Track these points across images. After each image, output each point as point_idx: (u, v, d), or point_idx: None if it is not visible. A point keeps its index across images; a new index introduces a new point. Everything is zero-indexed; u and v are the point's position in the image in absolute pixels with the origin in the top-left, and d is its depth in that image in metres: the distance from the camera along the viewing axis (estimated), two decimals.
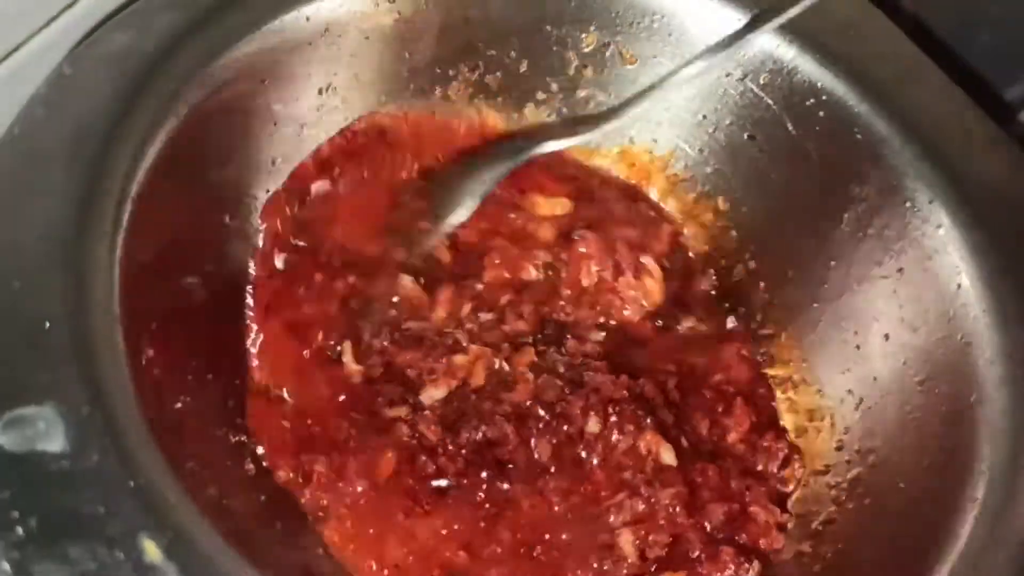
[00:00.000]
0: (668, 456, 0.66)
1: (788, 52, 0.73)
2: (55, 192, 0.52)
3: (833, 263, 0.73)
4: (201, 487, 0.56)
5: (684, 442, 0.68)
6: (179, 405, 0.58)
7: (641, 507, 0.65)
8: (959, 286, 0.64)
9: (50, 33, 0.64)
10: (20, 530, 0.43)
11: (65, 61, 0.58)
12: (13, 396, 0.46)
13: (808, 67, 0.72)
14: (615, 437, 0.66)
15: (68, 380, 0.47)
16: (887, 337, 0.69)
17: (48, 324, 0.48)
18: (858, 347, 0.71)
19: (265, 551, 0.59)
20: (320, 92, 0.71)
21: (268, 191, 0.70)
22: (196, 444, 0.59)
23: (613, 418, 0.66)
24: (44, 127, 0.55)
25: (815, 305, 0.75)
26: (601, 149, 0.83)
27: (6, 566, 0.43)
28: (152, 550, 0.44)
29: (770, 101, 0.74)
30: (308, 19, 0.67)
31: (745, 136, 0.77)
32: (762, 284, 0.78)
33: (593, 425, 0.66)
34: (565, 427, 0.66)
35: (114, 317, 0.51)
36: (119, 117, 0.56)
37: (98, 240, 0.52)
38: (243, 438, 0.65)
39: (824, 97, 0.72)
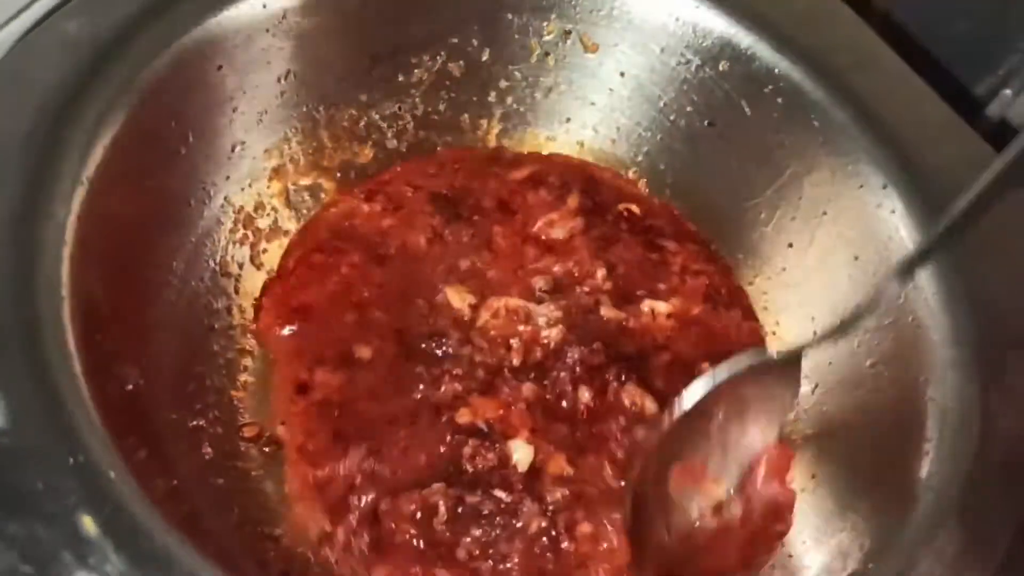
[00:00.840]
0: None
1: (746, 39, 0.73)
2: (5, 174, 0.53)
3: (791, 247, 0.74)
4: (152, 471, 0.57)
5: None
6: (130, 387, 0.58)
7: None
8: None
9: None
10: None
11: (16, 47, 0.58)
12: None
13: (766, 54, 0.73)
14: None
15: (10, 359, 0.48)
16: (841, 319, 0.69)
17: None
18: (815, 332, 0.71)
19: (220, 535, 0.60)
20: (279, 80, 0.72)
21: (228, 177, 0.71)
22: (149, 426, 0.59)
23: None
24: None
25: (770, 286, 0.76)
26: (559, 139, 0.84)
27: None
28: (89, 524, 0.44)
29: (728, 88, 0.75)
30: (264, 6, 0.67)
31: (705, 123, 0.77)
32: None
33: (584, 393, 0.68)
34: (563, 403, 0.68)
35: (60, 299, 0.51)
36: (72, 101, 0.57)
37: (47, 222, 0.53)
38: (201, 423, 0.66)
39: (781, 84, 0.72)
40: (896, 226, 0.66)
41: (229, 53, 0.67)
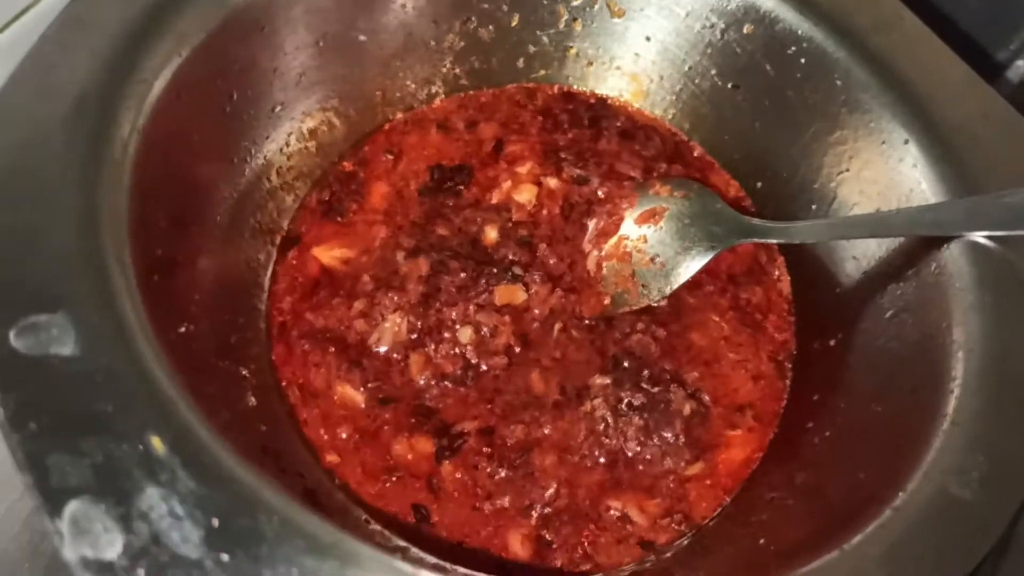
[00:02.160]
0: None
1: (768, 2, 0.75)
2: (66, 124, 0.55)
3: (814, 206, 0.76)
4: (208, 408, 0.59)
5: None
6: (182, 330, 0.60)
7: None
8: None
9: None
10: (34, 425, 0.46)
11: (72, 2, 0.60)
12: (27, 304, 0.49)
13: (788, 16, 0.75)
14: None
15: (80, 290, 0.50)
16: (864, 274, 0.71)
17: (60, 239, 0.51)
18: (837, 291, 0.73)
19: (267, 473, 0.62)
20: (317, 42, 0.74)
21: (268, 137, 0.73)
22: (199, 370, 0.62)
23: None
24: (55, 62, 0.57)
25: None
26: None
27: (20, 457, 0.45)
28: (159, 444, 0.47)
29: (752, 50, 0.77)
30: None
31: (729, 85, 0.80)
32: None
33: None
34: None
35: (122, 238, 0.53)
36: (129, 53, 0.59)
37: (109, 164, 0.55)
38: (244, 372, 0.68)
39: (804, 45, 0.74)
40: (918, 179, 0.68)
41: (270, 14, 0.69)
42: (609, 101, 0.85)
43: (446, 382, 0.70)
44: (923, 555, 0.52)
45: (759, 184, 0.81)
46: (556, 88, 0.86)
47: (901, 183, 0.70)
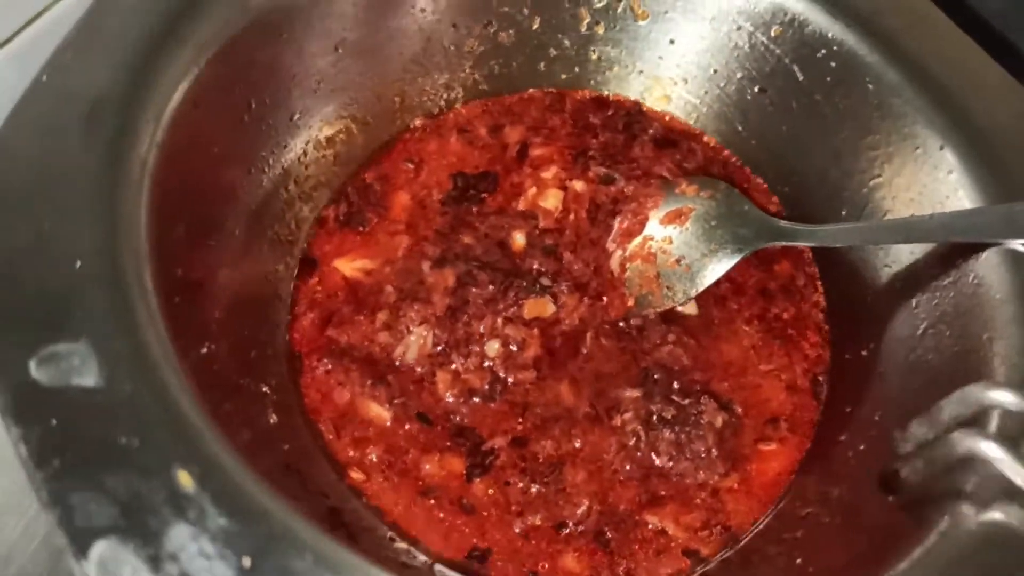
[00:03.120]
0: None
1: (798, 4, 0.73)
2: (84, 136, 0.54)
3: (844, 212, 0.74)
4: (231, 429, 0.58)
5: None
6: (204, 350, 0.59)
7: None
8: None
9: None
10: (57, 462, 0.44)
11: (91, 8, 0.58)
12: (48, 333, 0.47)
13: (818, 18, 0.73)
14: None
15: (100, 316, 0.48)
16: (899, 282, 0.70)
17: (79, 263, 0.49)
18: (869, 299, 0.72)
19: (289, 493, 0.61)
20: (336, 48, 0.72)
21: (286, 146, 0.71)
22: (221, 390, 0.60)
23: None
24: (73, 71, 0.56)
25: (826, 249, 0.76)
26: None
27: (44, 495, 0.44)
28: (186, 479, 0.45)
29: (780, 53, 0.75)
30: None
31: (756, 89, 0.78)
32: None
33: None
34: None
35: (143, 258, 0.52)
36: (147, 63, 0.57)
37: (127, 182, 0.53)
38: (265, 388, 0.66)
39: (835, 48, 0.73)
40: (954, 187, 0.66)
41: (289, 20, 0.67)
42: (644, 108, 0.83)
43: (475, 398, 0.68)
44: None
45: (787, 190, 0.79)
46: (587, 93, 0.84)
47: (937, 190, 0.68)
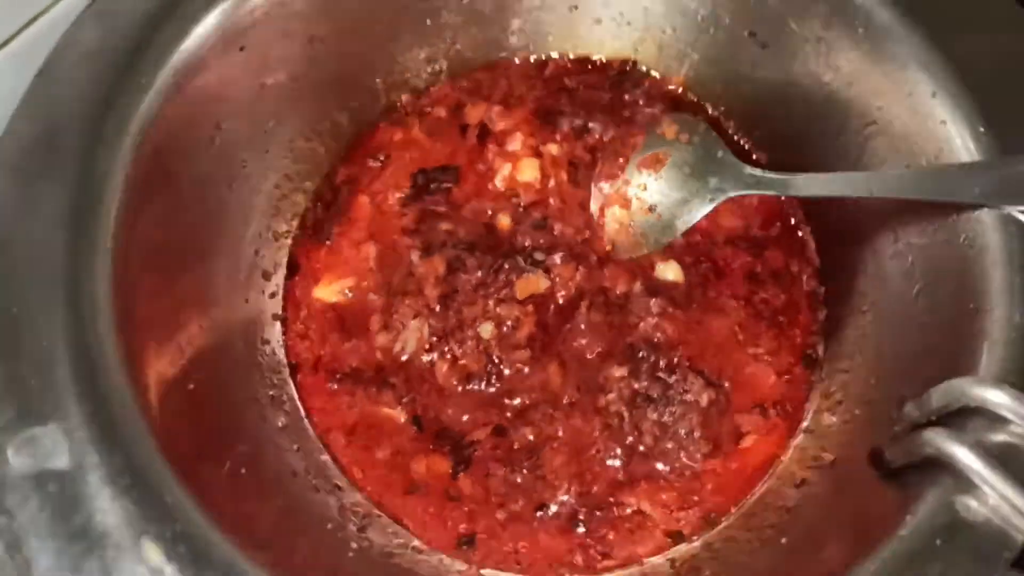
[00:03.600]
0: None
1: None
2: (43, 211, 0.56)
3: (841, 162, 0.71)
4: (228, 451, 0.61)
5: None
6: (192, 386, 0.61)
7: None
8: None
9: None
10: (40, 548, 0.48)
11: (43, 65, 0.60)
12: (23, 418, 0.51)
13: None
14: None
15: (68, 400, 0.51)
16: (896, 239, 0.67)
17: (46, 345, 0.52)
18: (875, 251, 0.69)
19: (297, 502, 0.65)
20: (311, 40, 0.71)
21: (267, 151, 0.72)
22: (218, 414, 0.63)
23: None
24: (26, 140, 0.57)
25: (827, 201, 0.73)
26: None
27: None
28: (153, 553, 0.48)
29: None
30: None
31: (746, 33, 0.74)
32: None
33: None
34: None
35: (108, 328, 0.54)
36: (94, 121, 0.58)
37: (91, 251, 0.55)
38: (272, 393, 0.69)
39: None
40: (947, 137, 0.63)
41: (248, 31, 0.66)
42: (630, 69, 0.81)
43: (472, 384, 0.70)
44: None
45: (782, 139, 0.76)
46: (569, 57, 0.82)
47: (930, 139, 0.64)
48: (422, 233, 0.74)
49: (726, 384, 0.69)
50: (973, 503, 0.51)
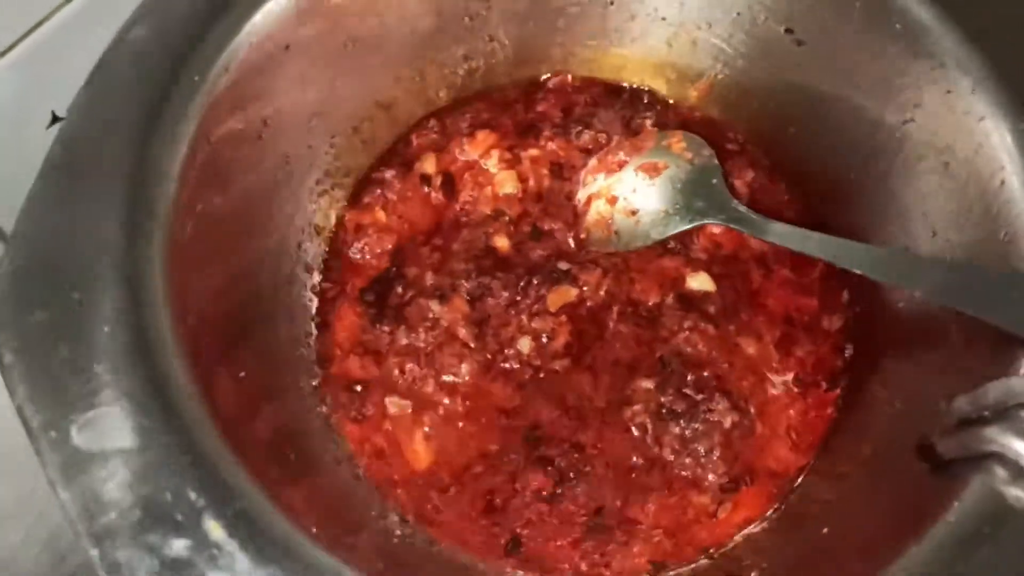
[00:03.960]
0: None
1: None
2: (101, 202, 0.57)
3: (879, 158, 0.72)
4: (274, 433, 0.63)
5: None
6: (243, 374, 0.63)
7: None
8: (1002, 182, 0.62)
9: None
10: (103, 524, 0.49)
11: (96, 65, 0.61)
12: (84, 400, 0.52)
13: None
14: None
15: (130, 381, 0.52)
16: (934, 233, 0.68)
17: (107, 329, 0.53)
18: (907, 249, 0.70)
19: (343, 487, 0.66)
20: (345, 46, 0.72)
21: (310, 146, 0.73)
22: (265, 400, 0.65)
23: None
24: (83, 136, 0.58)
25: (861, 201, 0.74)
26: (632, 58, 0.82)
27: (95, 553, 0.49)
28: (216, 530, 0.50)
29: None
30: None
31: (783, 30, 0.75)
32: None
33: None
34: None
35: (165, 313, 0.55)
36: (149, 117, 0.59)
37: (146, 240, 0.56)
38: (315, 383, 0.71)
39: None
40: (986, 133, 0.64)
41: (296, 29, 0.67)
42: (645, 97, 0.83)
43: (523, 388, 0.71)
44: None
45: (819, 131, 0.76)
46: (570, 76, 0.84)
47: (969, 137, 0.64)
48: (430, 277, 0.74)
49: (752, 410, 0.70)
50: (1017, 491, 0.52)
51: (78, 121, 0.59)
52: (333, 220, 0.77)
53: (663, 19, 0.79)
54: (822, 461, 0.69)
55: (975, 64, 0.65)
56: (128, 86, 0.60)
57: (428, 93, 0.80)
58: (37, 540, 0.71)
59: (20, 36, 0.69)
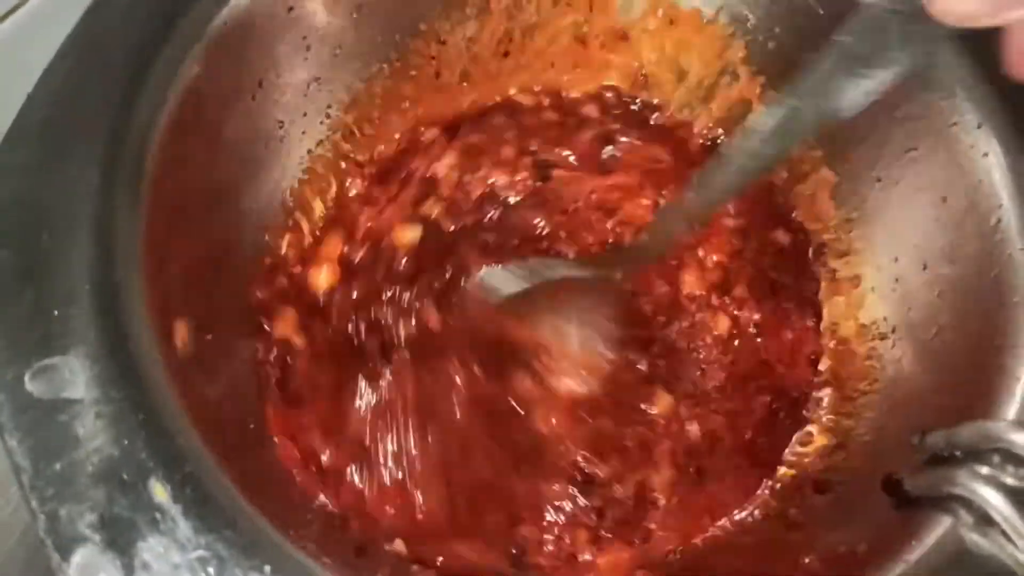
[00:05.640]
0: None
1: None
2: (82, 144, 0.55)
3: (879, 181, 0.71)
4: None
5: None
6: (209, 337, 0.61)
7: None
8: (999, 221, 0.61)
9: None
10: (45, 472, 0.48)
11: (84, 14, 0.59)
12: (42, 346, 0.50)
13: None
14: None
15: (91, 331, 0.51)
16: (924, 267, 0.67)
17: (74, 275, 0.52)
18: (897, 279, 0.69)
19: None
20: (352, 14, 0.71)
21: (305, 114, 0.72)
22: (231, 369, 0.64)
23: None
24: (67, 84, 0.57)
25: (856, 221, 0.73)
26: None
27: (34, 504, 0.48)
28: (160, 492, 0.48)
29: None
30: None
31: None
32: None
33: None
34: None
35: (137, 267, 0.54)
36: (137, 69, 0.58)
37: (122, 191, 0.55)
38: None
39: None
40: (988, 169, 0.63)
41: None
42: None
43: None
44: None
45: (823, 154, 0.75)
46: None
47: (971, 171, 0.64)
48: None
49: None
50: (982, 540, 0.51)
51: (64, 65, 0.58)
52: (318, 211, 0.75)
53: None
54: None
55: (984, 99, 0.64)
56: (117, 35, 0.58)
57: (427, 70, 0.78)
58: (11, 533, 0.71)
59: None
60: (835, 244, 0.75)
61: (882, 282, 0.70)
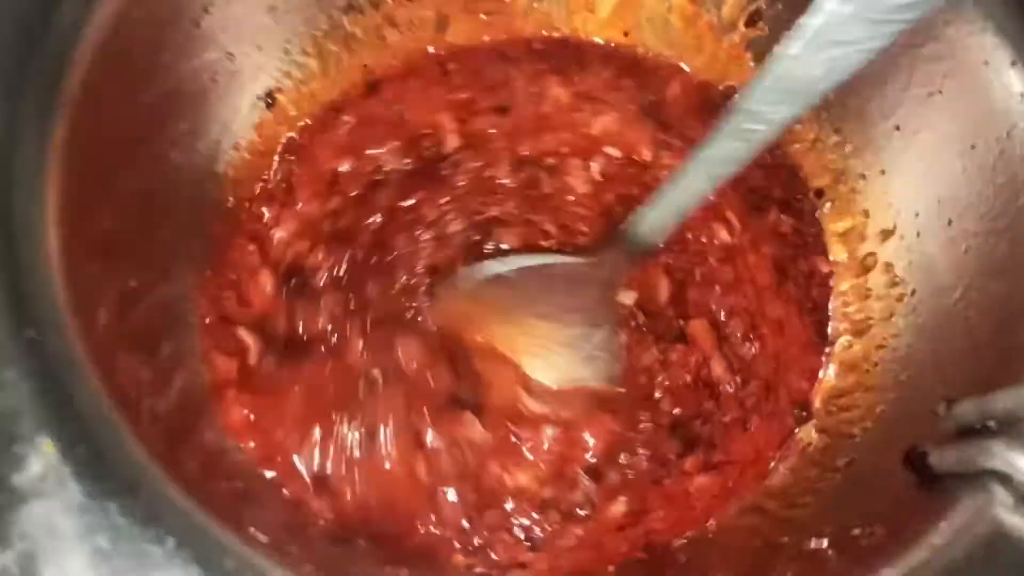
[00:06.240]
0: None
1: None
2: None
3: (897, 129, 0.64)
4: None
5: None
6: (134, 283, 0.54)
7: None
8: None
9: None
10: None
11: None
12: None
13: None
14: None
15: None
16: (949, 222, 0.60)
17: None
18: (918, 234, 0.62)
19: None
20: None
21: (260, 48, 0.65)
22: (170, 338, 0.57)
23: None
24: None
25: (880, 174, 0.66)
26: None
27: None
28: (49, 450, 0.41)
29: None
30: None
31: None
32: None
33: None
34: None
35: (52, 217, 0.47)
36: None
37: (36, 128, 0.48)
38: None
39: None
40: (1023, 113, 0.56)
41: None
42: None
43: None
44: None
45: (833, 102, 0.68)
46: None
47: (1004, 115, 0.57)
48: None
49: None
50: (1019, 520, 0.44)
51: None
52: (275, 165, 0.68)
53: None
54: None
55: (1018, 34, 0.57)
56: None
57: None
58: None
59: None
60: (848, 199, 0.68)
61: (901, 239, 0.63)
